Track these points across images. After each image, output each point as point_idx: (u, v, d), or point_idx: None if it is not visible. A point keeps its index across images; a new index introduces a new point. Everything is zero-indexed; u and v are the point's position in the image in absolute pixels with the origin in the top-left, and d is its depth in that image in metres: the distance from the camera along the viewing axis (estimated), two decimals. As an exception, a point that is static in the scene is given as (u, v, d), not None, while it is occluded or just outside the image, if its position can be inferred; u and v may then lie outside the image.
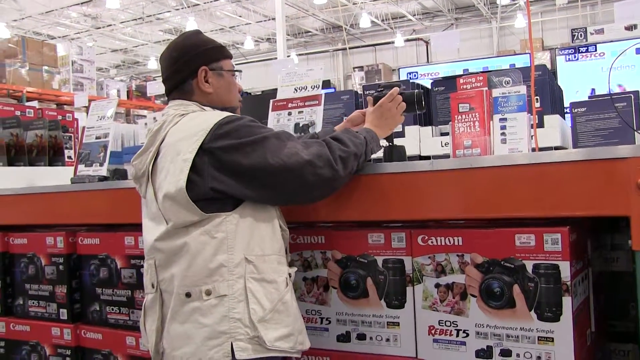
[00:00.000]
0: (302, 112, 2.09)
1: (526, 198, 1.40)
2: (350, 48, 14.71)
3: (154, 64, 16.51)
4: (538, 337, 1.41)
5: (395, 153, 1.75)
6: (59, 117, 4.24)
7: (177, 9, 13.52)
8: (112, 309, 2.09)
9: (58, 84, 6.70)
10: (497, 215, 1.46)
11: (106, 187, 2.13)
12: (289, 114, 2.12)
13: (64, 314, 2.18)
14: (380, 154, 1.72)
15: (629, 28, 5.77)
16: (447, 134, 2.20)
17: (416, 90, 1.76)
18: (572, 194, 1.35)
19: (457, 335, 1.51)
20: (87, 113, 2.55)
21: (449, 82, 2.25)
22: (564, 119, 2.35)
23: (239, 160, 1.38)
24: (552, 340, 1.39)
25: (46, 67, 6.60)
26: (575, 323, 1.39)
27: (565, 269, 1.38)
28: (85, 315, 2.16)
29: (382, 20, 14.53)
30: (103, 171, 2.29)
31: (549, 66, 4.58)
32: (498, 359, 1.46)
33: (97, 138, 2.39)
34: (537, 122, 1.90)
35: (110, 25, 14.38)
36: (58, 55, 6.89)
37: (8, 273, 2.33)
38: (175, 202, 1.40)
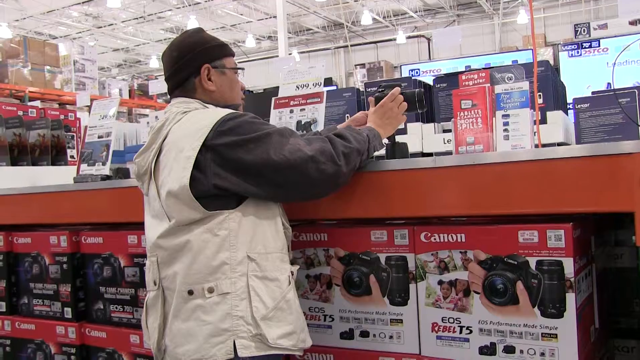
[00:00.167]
0: (304, 109, 2.09)
1: (529, 194, 1.40)
2: (351, 45, 14.72)
3: (155, 63, 16.53)
4: (542, 333, 1.41)
5: (397, 150, 1.75)
6: (62, 117, 4.26)
7: (178, 8, 13.53)
8: (116, 308, 2.09)
9: (60, 84, 6.71)
10: (500, 211, 1.46)
11: (109, 186, 2.13)
12: (291, 111, 2.12)
13: (68, 312, 2.19)
14: (382, 151, 1.72)
15: (634, 23, 5.70)
16: (449, 130, 2.20)
17: (417, 90, 1.76)
18: (576, 190, 1.34)
19: (461, 332, 1.51)
20: (89, 112, 2.55)
21: (451, 79, 2.25)
22: (567, 115, 2.34)
23: (241, 157, 1.38)
24: (556, 337, 1.39)
25: (48, 67, 6.61)
26: (579, 319, 1.39)
27: (569, 265, 1.38)
28: (89, 314, 2.17)
29: (384, 18, 14.51)
30: (105, 170, 2.30)
31: (551, 62, 4.55)
32: (502, 356, 1.46)
33: (99, 137, 2.39)
34: (539, 118, 1.89)
35: (111, 24, 14.40)
36: (60, 55, 6.90)
37: (12, 272, 2.34)
38: (178, 199, 1.40)
